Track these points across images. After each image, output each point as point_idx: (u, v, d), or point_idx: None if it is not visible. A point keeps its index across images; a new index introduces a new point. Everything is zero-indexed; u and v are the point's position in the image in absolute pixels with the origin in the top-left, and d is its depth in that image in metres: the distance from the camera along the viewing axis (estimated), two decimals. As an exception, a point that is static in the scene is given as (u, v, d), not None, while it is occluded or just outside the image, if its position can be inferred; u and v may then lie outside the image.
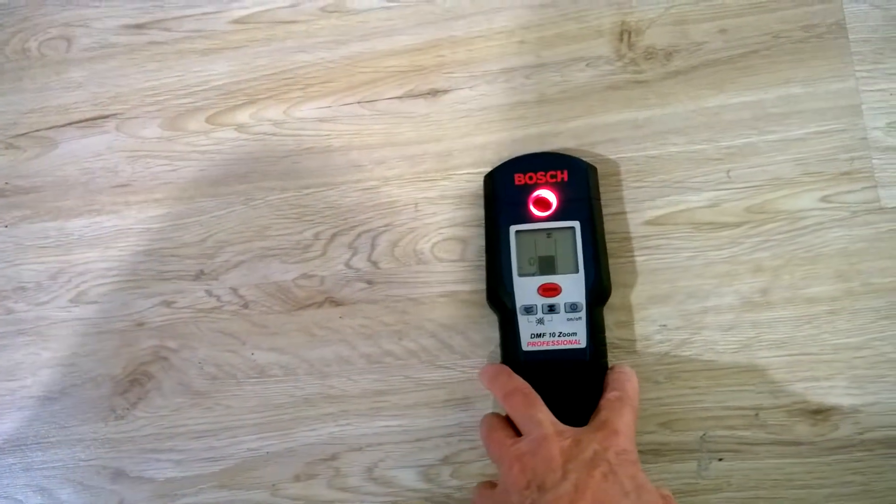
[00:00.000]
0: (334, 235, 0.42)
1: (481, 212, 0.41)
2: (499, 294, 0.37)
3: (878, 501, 0.37)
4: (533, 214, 0.38)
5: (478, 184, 0.41)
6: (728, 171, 0.40)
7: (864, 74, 0.40)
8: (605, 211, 0.40)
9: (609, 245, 0.40)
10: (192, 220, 0.43)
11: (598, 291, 0.37)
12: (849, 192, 0.39)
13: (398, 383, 0.40)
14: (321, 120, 0.43)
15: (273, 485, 0.40)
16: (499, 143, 0.42)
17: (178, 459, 0.41)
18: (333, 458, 0.40)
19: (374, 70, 0.43)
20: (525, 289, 0.37)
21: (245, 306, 0.42)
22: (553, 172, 0.38)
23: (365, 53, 0.43)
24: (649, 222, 0.40)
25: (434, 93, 0.43)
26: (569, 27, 0.42)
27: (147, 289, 0.43)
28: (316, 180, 0.42)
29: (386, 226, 0.42)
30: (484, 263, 0.39)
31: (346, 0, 0.44)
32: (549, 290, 0.37)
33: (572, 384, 0.36)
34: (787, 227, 0.39)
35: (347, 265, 0.41)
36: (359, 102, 0.43)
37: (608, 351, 0.38)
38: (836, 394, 0.38)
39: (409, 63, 0.43)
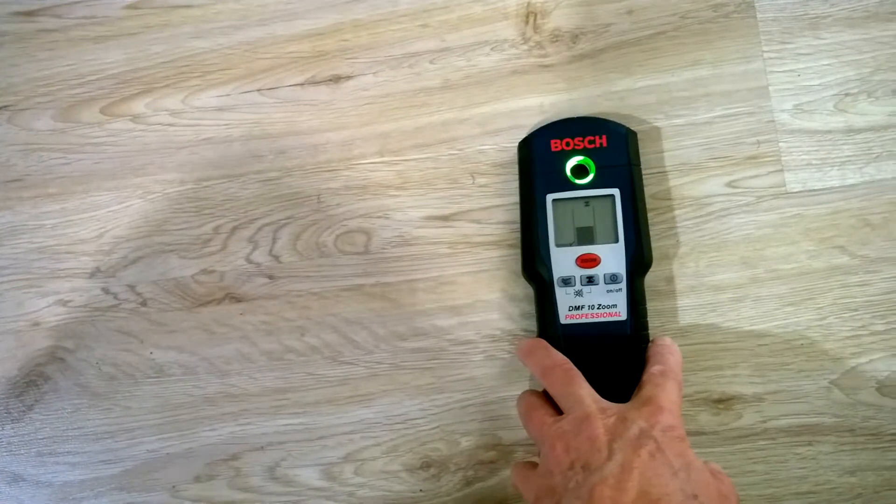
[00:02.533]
0: (234, 229, 0.44)
1: (386, 202, 0.43)
2: (535, 265, 0.38)
3: (780, 490, 0.39)
4: (570, 182, 0.38)
5: (381, 173, 0.43)
6: (634, 157, 0.42)
7: (772, 55, 0.41)
8: (506, 200, 0.42)
9: (513, 236, 0.42)
10: (88, 215, 0.44)
11: (640, 261, 0.38)
12: (755, 176, 0.41)
13: (300, 380, 0.42)
14: (220, 109, 0.44)
15: (173, 486, 0.42)
16: (402, 131, 0.43)
17: (76, 462, 0.43)
18: (234, 457, 0.42)
19: (275, 56, 0.45)
20: (562, 260, 0.38)
21: (143, 304, 0.44)
22: (591, 138, 0.38)
23: (265, 39, 0.45)
24: (555, 211, 0.42)
25: (336, 79, 0.44)
26: (473, 9, 0.44)
27: (42, 287, 0.44)
28: (215, 172, 0.44)
29: (287, 218, 0.43)
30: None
31: (244, -17, 0.45)
32: (588, 261, 0.37)
33: (613, 358, 0.37)
34: (693, 214, 0.41)
35: (248, 260, 0.43)
36: (259, 90, 0.44)
37: (649, 324, 0.39)
38: (739, 382, 0.40)
39: (311, 48, 0.44)
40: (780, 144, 0.41)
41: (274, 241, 0.43)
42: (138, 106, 0.45)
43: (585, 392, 0.34)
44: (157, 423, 0.43)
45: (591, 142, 0.38)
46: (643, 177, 0.40)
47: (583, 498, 0.29)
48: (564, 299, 0.37)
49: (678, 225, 0.41)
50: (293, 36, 0.44)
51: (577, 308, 0.37)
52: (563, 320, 0.37)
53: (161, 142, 0.45)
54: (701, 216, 0.41)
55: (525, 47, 0.43)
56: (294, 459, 0.42)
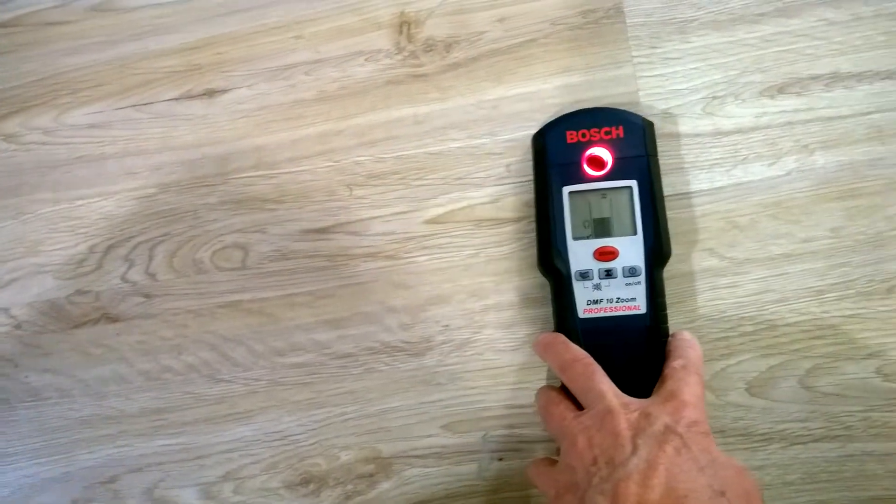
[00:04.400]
0: (109, 248, 0.45)
1: (262, 216, 0.44)
2: (552, 259, 0.39)
3: (656, 493, 0.41)
4: (587, 174, 0.39)
5: (257, 187, 0.44)
6: (508, 165, 0.43)
7: (642, 60, 0.43)
8: (384, 211, 0.43)
9: (390, 246, 0.43)
10: (-40, 238, 0.45)
11: (658, 254, 0.38)
12: (626, 181, 0.43)
13: (178, 400, 0.43)
14: (94, 126, 0.45)
15: (50, 512, 0.43)
16: (279, 143, 0.45)
17: (-49, 491, 0.44)
18: (112, 480, 0.43)
19: (149, 71, 0.46)
20: (580, 253, 0.38)
21: (17, 327, 0.44)
22: (607, 129, 0.39)
23: (138, 54, 0.46)
24: (431, 221, 0.43)
25: (211, 93, 0.45)
26: (347, 20, 0.45)
27: (-86, 313, 0.45)
28: (89, 190, 0.45)
29: (163, 235, 0.44)
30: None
31: (116, -2, 0.46)
32: (606, 254, 0.38)
33: (633, 352, 0.37)
34: (567, 220, 0.43)
35: (123, 279, 0.44)
36: (133, 106, 0.45)
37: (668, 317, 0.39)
38: (613, 387, 0.42)
39: (185, 62, 0.45)
40: (651, 149, 0.43)
41: (150, 258, 0.44)
42: (11, 125, 0.46)
43: (606, 387, 0.34)
44: (33, 447, 0.44)
45: (607, 133, 0.39)
46: (660, 167, 0.40)
47: (607, 494, 0.30)
48: (582, 293, 0.38)
49: (552, 232, 0.43)
50: (167, 50, 0.46)
51: (595, 302, 0.38)
52: (581, 314, 0.38)
53: (34, 161, 0.45)
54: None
55: (399, 57, 0.44)
56: (173, 480, 0.43)
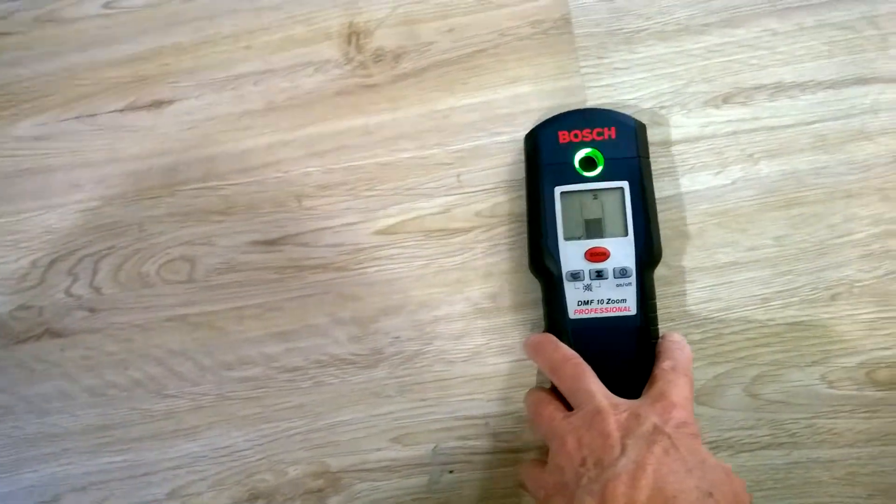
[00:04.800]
0: (53, 262, 0.44)
1: (210, 228, 0.44)
2: (543, 260, 0.39)
3: None
4: (578, 174, 0.39)
5: (204, 199, 0.44)
6: (458, 176, 0.43)
7: (589, 70, 0.44)
8: (333, 223, 0.43)
9: (341, 258, 0.43)
10: None
11: (650, 255, 0.38)
12: (575, 191, 0.43)
13: (123, 416, 0.43)
14: (38, 138, 0.45)
15: (-9, 533, 0.42)
16: (227, 154, 0.44)
17: None
18: (55, 499, 0.42)
19: (94, 82, 0.45)
20: (571, 254, 0.38)
21: (-42, 343, 0.44)
22: (599, 129, 0.39)
23: (83, 65, 0.45)
24: (381, 232, 0.43)
25: (158, 104, 0.45)
26: (296, 30, 0.45)
27: None
28: (33, 203, 0.44)
29: (108, 248, 0.44)
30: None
31: (61, 9, 0.46)
32: (597, 255, 0.38)
33: (623, 353, 0.38)
34: (516, 231, 0.43)
35: (67, 293, 0.44)
36: (78, 117, 0.45)
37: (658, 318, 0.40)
38: (562, 397, 0.42)
39: (131, 73, 0.45)
40: (599, 158, 0.43)
41: (95, 272, 0.44)
42: (-49, 137, 0.45)
43: (596, 387, 0.34)
44: (-27, 467, 0.43)
45: (599, 133, 0.39)
46: (651, 169, 0.41)
47: (595, 494, 0.30)
48: (573, 294, 0.38)
49: (501, 242, 0.43)
50: (112, 61, 0.45)
51: (586, 303, 0.38)
52: (571, 315, 0.38)
53: (-24, 174, 0.45)
54: (523, 233, 0.43)
55: (349, 67, 0.44)
56: (117, 499, 0.42)
